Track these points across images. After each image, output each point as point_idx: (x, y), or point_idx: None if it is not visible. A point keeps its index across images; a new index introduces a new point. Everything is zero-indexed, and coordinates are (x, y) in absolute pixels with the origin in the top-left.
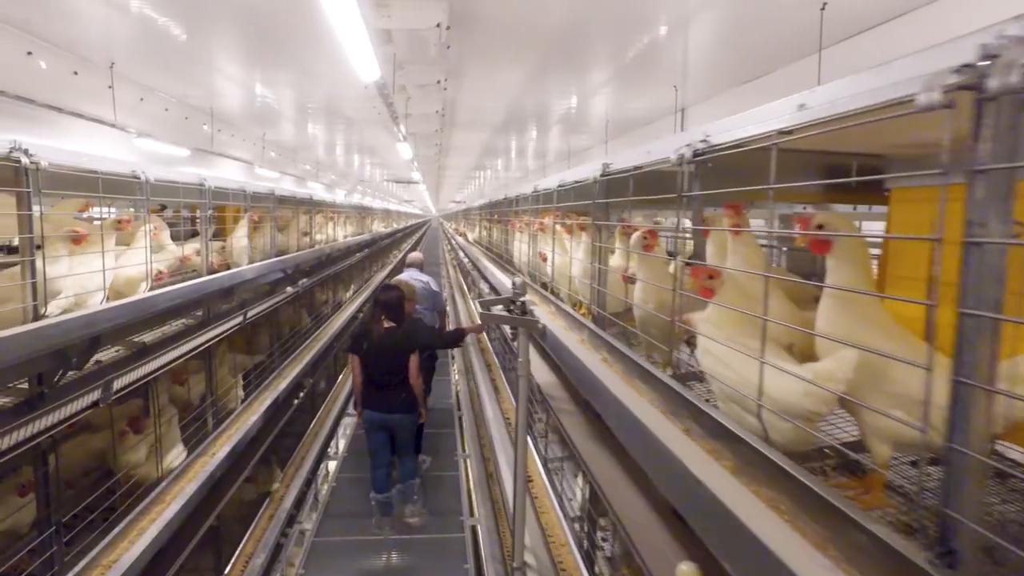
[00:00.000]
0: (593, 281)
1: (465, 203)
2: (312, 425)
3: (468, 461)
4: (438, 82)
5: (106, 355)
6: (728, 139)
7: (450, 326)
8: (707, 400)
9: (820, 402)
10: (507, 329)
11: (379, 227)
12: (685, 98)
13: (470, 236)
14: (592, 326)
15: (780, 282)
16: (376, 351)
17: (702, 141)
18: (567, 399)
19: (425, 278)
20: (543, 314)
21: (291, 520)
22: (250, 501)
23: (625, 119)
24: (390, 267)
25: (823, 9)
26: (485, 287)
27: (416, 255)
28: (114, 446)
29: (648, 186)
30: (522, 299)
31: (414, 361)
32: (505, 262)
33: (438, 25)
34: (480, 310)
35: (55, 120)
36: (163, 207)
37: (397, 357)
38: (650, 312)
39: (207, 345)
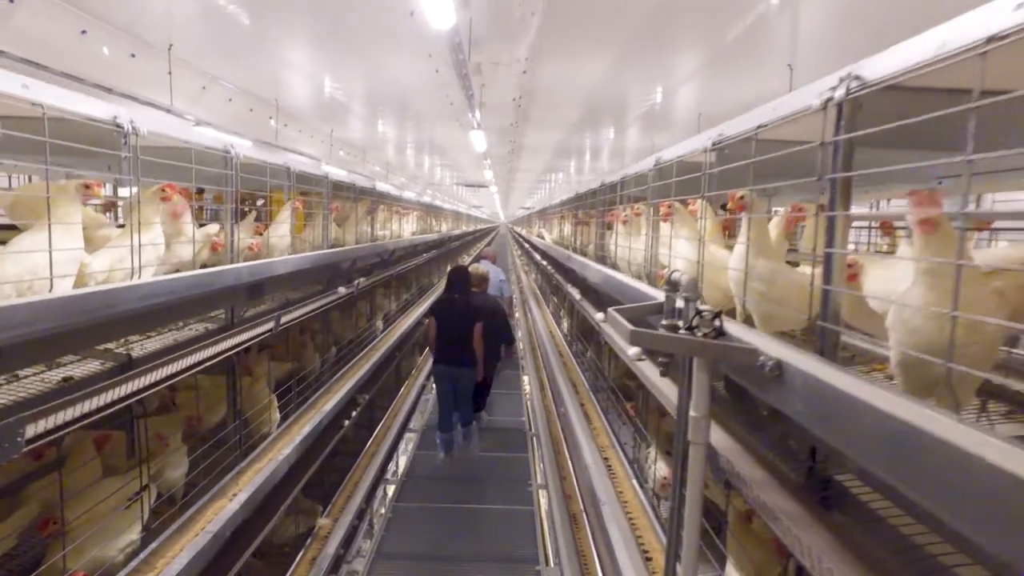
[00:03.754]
0: (816, 288)
1: (535, 208)
2: (368, 445)
3: (542, 492)
4: (518, 61)
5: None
6: None
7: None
8: None
9: None
10: (620, 342)
11: (448, 228)
12: (798, 80)
13: (547, 236)
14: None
15: None
16: (450, 317)
17: None
18: (773, 485)
19: (496, 269)
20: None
21: (337, 564)
22: (288, 540)
23: (720, 112)
24: None
25: None
26: (575, 292)
27: (489, 249)
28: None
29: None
30: (703, 310)
31: (478, 329)
32: (610, 265)
33: None
34: (629, 326)
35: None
36: (201, 190)
37: (465, 324)
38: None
39: (213, 361)
